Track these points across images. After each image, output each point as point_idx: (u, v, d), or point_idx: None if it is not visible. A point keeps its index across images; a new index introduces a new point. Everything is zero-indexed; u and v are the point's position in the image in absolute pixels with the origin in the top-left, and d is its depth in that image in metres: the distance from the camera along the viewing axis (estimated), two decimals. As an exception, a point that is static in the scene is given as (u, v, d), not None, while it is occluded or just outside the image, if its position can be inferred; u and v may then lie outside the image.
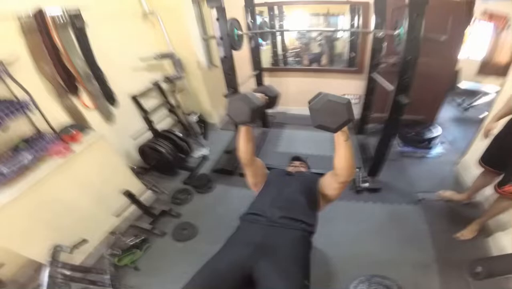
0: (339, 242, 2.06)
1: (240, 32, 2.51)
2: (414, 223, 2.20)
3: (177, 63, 3.06)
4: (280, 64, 3.98)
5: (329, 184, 1.33)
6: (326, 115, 0.92)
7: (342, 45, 3.77)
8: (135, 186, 2.45)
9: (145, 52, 2.87)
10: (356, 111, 3.57)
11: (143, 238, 2.21)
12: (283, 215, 1.23)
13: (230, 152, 3.14)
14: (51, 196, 1.80)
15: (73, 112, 2.31)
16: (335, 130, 0.96)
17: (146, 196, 2.57)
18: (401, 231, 2.13)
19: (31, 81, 1.97)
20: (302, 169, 1.79)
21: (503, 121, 1.77)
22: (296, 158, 2.00)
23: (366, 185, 2.53)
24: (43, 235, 1.75)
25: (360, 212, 2.35)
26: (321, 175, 1.45)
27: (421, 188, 2.53)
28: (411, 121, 3.10)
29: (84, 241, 1.89)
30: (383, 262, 1.88)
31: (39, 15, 1.92)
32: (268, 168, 1.62)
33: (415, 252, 1.95)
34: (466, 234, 2.00)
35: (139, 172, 2.82)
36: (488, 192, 2.17)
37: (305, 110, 4.23)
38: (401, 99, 2.00)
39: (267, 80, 3.95)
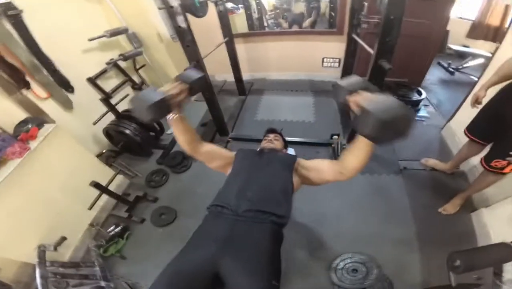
0: (320, 219, 2.02)
1: None
2: (396, 196, 2.12)
3: (133, 38, 2.75)
4: (256, 29, 3.62)
5: (325, 173, 1.17)
6: (391, 128, 0.74)
7: (324, 5, 3.40)
8: (104, 173, 2.34)
9: (95, 32, 2.55)
10: (337, 75, 3.41)
11: (122, 226, 2.19)
12: (249, 208, 1.13)
13: (206, 124, 3.01)
14: (21, 197, 1.73)
15: (28, 106, 2.16)
16: (382, 144, 0.83)
17: (119, 181, 2.48)
18: (383, 205, 2.07)
19: None
20: (276, 143, 1.65)
21: (492, 91, 1.58)
22: (271, 130, 1.84)
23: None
24: (25, 236, 1.74)
25: (343, 184, 2.21)
26: (295, 157, 1.35)
27: (404, 155, 2.42)
28: (394, 83, 2.91)
29: (63, 239, 1.87)
30: (364, 239, 1.85)
31: None
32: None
33: (397, 228, 1.90)
34: (449, 208, 1.94)
35: (110, 156, 2.72)
36: (473, 162, 2.06)
37: (285, 76, 3.99)
38: (382, 64, 1.77)
39: (242, 47, 3.65)
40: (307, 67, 3.73)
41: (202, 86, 1.23)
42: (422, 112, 2.90)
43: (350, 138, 2.50)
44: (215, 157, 1.35)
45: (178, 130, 1.20)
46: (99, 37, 2.53)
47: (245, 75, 3.89)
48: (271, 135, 1.73)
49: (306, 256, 1.83)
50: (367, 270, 1.66)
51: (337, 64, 3.49)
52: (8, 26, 1.97)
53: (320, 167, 1.22)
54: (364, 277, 1.63)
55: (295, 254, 1.84)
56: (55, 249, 1.76)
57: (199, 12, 2.22)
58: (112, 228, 2.18)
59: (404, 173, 2.26)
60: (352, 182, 2.14)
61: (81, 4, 2.58)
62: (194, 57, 2.25)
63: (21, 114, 2.07)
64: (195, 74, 1.19)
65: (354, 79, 0.92)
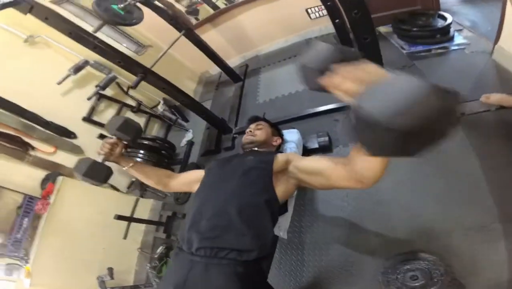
0: (365, 211, 1.60)
1: (121, 5, 1.85)
2: (458, 158, 1.51)
3: (98, 67, 2.64)
4: (220, 6, 3.11)
5: (333, 181, 0.82)
6: (416, 136, 0.40)
7: None
8: (130, 202, 2.43)
9: (60, 74, 2.45)
10: (328, 24, 2.80)
11: (164, 246, 2.25)
12: (202, 245, 0.86)
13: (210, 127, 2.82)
14: (61, 242, 1.98)
15: (43, 163, 2.26)
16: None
17: (151, 206, 2.56)
18: (441, 176, 1.50)
19: None
20: (259, 133, 1.35)
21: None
22: (251, 120, 1.51)
23: None
24: (82, 272, 1.99)
25: None
26: (271, 155, 1.06)
27: None
28: (406, 14, 2.34)
29: (110, 269, 1.98)
30: (420, 230, 1.41)
31: None
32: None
33: (465, 207, 1.37)
34: None
35: (142, 182, 2.74)
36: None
37: (276, 45, 3.36)
38: None
39: (214, 32, 3.27)
40: (295, 27, 3.21)
41: (130, 130, 1.18)
42: (458, 39, 2.21)
43: None
44: (192, 182, 1.19)
45: (140, 177, 1.22)
46: (65, 77, 2.43)
47: (235, 60, 3.57)
48: (252, 126, 1.42)
49: (349, 259, 1.50)
50: (430, 272, 1.25)
51: (326, 12, 2.89)
52: None
53: (325, 172, 0.84)
54: (427, 285, 1.23)
55: (333, 257, 1.56)
56: (111, 277, 1.93)
57: (128, 20, 1.93)
58: (159, 249, 2.25)
59: (462, 122, 1.64)
60: None
61: (34, 55, 2.48)
62: (139, 71, 2.00)
63: (41, 173, 2.20)
64: (116, 122, 1.16)
65: (319, 48, 0.55)
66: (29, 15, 1.61)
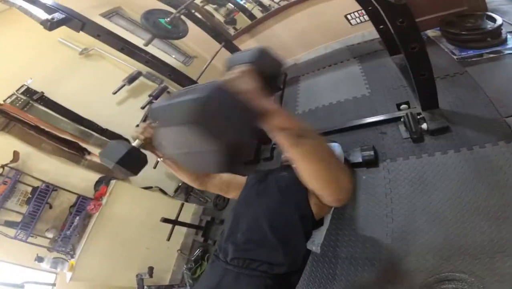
0: (409, 229, 1.49)
1: (168, 18, 1.93)
2: (510, 178, 1.37)
3: (150, 77, 2.83)
4: (255, 14, 3.11)
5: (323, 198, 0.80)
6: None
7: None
8: (176, 206, 2.51)
9: (115, 84, 2.68)
10: (371, 29, 2.59)
11: (201, 249, 2.35)
12: (236, 255, 0.89)
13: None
14: (109, 240, 2.13)
15: (97, 167, 2.47)
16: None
17: (194, 210, 2.66)
18: (492, 195, 1.36)
19: (48, 164, 2.22)
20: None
21: None
22: None
23: (425, 126, 1.74)
24: (126, 269, 2.11)
25: (426, 173, 1.62)
26: None
27: (510, 108, 1.57)
28: (454, 16, 2.15)
29: (151, 268, 2.07)
30: (469, 250, 1.28)
31: None
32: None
33: None
34: None
35: (187, 186, 2.88)
36: None
37: (315, 52, 3.31)
38: None
39: (252, 42, 3.29)
40: (334, 33, 3.06)
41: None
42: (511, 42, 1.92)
43: (425, 103, 1.80)
44: (231, 186, 1.17)
45: (176, 170, 1.07)
46: (120, 87, 2.63)
47: (273, 68, 3.54)
48: None
49: (385, 276, 1.42)
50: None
51: (367, 17, 2.69)
52: (42, 107, 2.29)
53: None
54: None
55: (369, 273, 1.47)
56: (150, 276, 2.01)
57: (175, 34, 2.01)
58: (197, 251, 2.36)
59: None
60: (439, 168, 1.59)
61: (89, 67, 2.74)
62: (187, 83, 2.09)
63: (95, 176, 2.41)
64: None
65: None
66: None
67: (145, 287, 1.95)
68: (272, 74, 0.68)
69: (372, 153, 1.82)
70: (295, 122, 0.56)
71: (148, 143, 0.93)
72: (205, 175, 1.15)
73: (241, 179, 1.17)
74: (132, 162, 0.83)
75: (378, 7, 1.36)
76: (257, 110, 0.51)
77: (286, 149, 0.59)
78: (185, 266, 2.27)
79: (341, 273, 1.55)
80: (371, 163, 1.81)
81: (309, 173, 0.63)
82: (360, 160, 1.83)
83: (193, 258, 2.30)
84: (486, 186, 1.41)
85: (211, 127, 0.46)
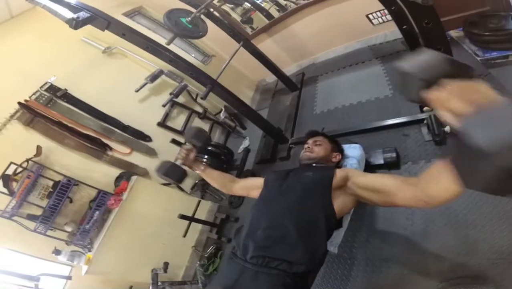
0: (429, 232, 1.48)
1: (188, 18, 2.00)
2: None
3: (171, 75, 2.92)
4: (273, 13, 3.14)
5: (397, 198, 0.82)
6: None
7: None
8: (193, 203, 2.59)
9: (137, 83, 2.79)
10: (394, 29, 2.58)
11: (214, 247, 2.42)
12: (256, 253, 0.92)
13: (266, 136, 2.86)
14: (127, 235, 2.20)
15: (119, 163, 2.61)
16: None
17: (209, 207, 2.74)
18: None
19: (70, 159, 2.34)
20: (318, 149, 1.34)
21: None
22: (309, 134, 1.51)
23: (447, 129, 1.70)
24: (142, 263, 2.18)
25: None
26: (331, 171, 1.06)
27: None
28: (476, 16, 2.10)
29: (166, 264, 2.18)
30: (489, 256, 1.27)
31: (22, 106, 2.13)
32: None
33: None
34: None
35: (203, 184, 2.97)
36: None
37: (334, 52, 3.30)
38: None
39: (269, 41, 3.33)
40: (355, 33, 3.05)
41: (202, 138, 1.40)
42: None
43: None
44: (251, 188, 1.33)
45: (209, 180, 1.42)
46: (142, 85, 2.74)
47: (292, 68, 3.59)
48: (310, 141, 1.42)
49: (401, 279, 1.42)
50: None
51: (390, 16, 2.65)
52: (65, 104, 2.42)
53: (388, 189, 0.86)
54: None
55: (385, 275, 1.48)
56: (165, 271, 2.10)
57: (195, 33, 2.08)
58: (210, 248, 2.42)
59: None
60: None
61: (112, 65, 2.86)
62: (207, 82, 2.14)
63: (116, 171, 2.54)
64: (191, 131, 1.41)
65: (428, 57, 0.48)
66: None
67: (159, 282, 2.02)
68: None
69: (394, 154, 1.81)
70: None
71: (187, 160, 1.37)
72: (231, 182, 1.42)
73: (260, 181, 1.29)
74: (175, 173, 1.35)
75: (404, 8, 1.38)
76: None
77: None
78: (198, 262, 2.34)
79: (356, 275, 1.57)
80: (393, 164, 1.80)
81: (452, 194, 0.63)
82: (381, 161, 1.82)
83: (206, 255, 2.37)
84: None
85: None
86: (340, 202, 1.00)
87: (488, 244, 1.30)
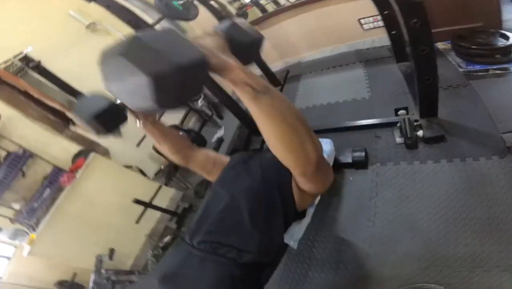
0: (389, 235, 1.47)
1: (180, 1, 1.94)
2: (501, 191, 1.38)
3: None
4: (268, 9, 3.20)
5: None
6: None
7: None
8: (153, 189, 2.48)
9: None
10: (385, 35, 2.63)
11: (172, 237, 2.28)
12: (204, 238, 0.83)
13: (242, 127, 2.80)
14: (77, 217, 2.07)
15: (80, 139, 2.47)
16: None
17: (172, 195, 2.62)
18: (480, 207, 1.37)
19: (30, 130, 2.19)
20: None
21: None
22: None
23: (420, 133, 1.75)
24: (89, 249, 2.01)
25: (415, 180, 1.62)
26: None
27: (508, 124, 1.59)
28: (467, 31, 2.18)
29: (111, 250, 2.04)
30: (449, 262, 1.26)
31: None
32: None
33: (502, 246, 1.21)
34: None
35: (171, 170, 2.84)
36: None
37: (321, 53, 3.32)
38: None
39: None
40: (345, 36, 3.08)
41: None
42: (520, 61, 1.96)
43: (424, 111, 1.80)
44: (215, 165, 1.07)
45: (155, 139, 0.95)
46: None
47: (278, 64, 3.56)
48: None
49: (358, 283, 1.38)
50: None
51: (381, 23, 2.71)
52: (36, 75, 2.31)
53: None
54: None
55: (341, 278, 1.44)
56: (110, 258, 1.97)
57: (185, 15, 2.03)
58: (167, 238, 2.28)
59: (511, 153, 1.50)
60: (429, 177, 1.59)
61: (92, 41, 2.75)
62: None
63: (76, 148, 2.40)
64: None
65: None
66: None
67: (103, 270, 1.87)
68: (241, 43, 0.68)
69: (363, 154, 1.80)
70: (257, 79, 0.56)
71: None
72: (189, 148, 1.07)
73: (226, 159, 1.10)
74: (110, 118, 0.77)
75: (395, 5, 1.37)
76: (213, 63, 0.55)
77: (247, 104, 0.57)
78: (151, 252, 2.19)
79: (313, 275, 1.51)
80: (361, 164, 1.80)
81: (270, 132, 0.58)
82: (349, 160, 1.81)
83: (161, 245, 2.21)
84: (474, 198, 1.39)
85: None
86: (300, 191, 0.90)
87: (451, 251, 1.29)
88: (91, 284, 1.75)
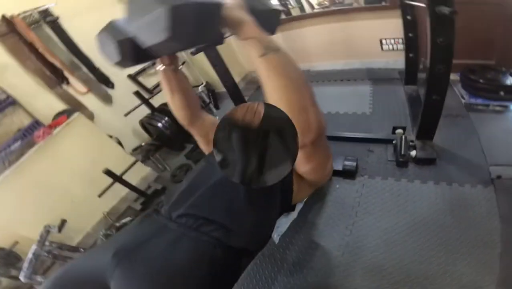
0: (364, 246, 1.46)
1: None
2: (481, 217, 1.41)
3: None
4: (290, 13, 3.21)
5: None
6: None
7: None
8: (127, 163, 2.32)
9: None
10: (402, 59, 2.62)
11: (132, 218, 2.13)
12: (187, 211, 0.73)
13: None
14: (37, 178, 1.91)
15: (68, 99, 2.42)
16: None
17: (145, 174, 2.53)
18: (459, 229, 1.39)
19: (22, 80, 2.13)
20: None
21: None
22: None
23: (413, 153, 1.78)
24: (38, 217, 1.87)
25: (399, 196, 1.64)
26: None
27: (497, 158, 1.65)
28: (478, 67, 2.24)
29: (63, 221, 1.90)
30: (417, 280, 1.25)
31: (4, 20, 1.99)
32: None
33: (470, 267, 1.23)
34: None
35: (150, 149, 2.75)
36: None
37: (334, 65, 3.31)
38: (441, 9, 1.23)
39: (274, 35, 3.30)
40: (362, 52, 3.10)
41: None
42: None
43: (421, 133, 1.83)
44: (211, 133, 0.97)
45: (169, 87, 0.85)
46: None
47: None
48: None
49: None
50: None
51: (401, 46, 2.77)
52: (48, 30, 2.28)
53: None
54: None
55: (310, 285, 1.40)
56: (59, 231, 1.83)
57: None
58: (126, 219, 2.15)
59: (497, 184, 1.53)
60: (415, 196, 1.60)
61: (116, 10, 2.66)
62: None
63: (61, 106, 2.32)
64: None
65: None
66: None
67: (47, 242, 1.73)
68: (259, 10, 0.68)
69: (354, 164, 1.81)
70: (269, 39, 0.57)
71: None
72: (198, 109, 0.98)
73: None
74: (135, 50, 0.66)
75: (428, 17, 1.38)
76: (230, 14, 0.58)
77: (256, 61, 0.56)
78: (103, 230, 2.04)
79: (281, 279, 1.47)
80: (350, 173, 1.80)
81: (274, 90, 0.57)
82: (340, 168, 1.81)
83: (117, 225, 2.07)
84: (453, 220, 1.43)
85: None
86: (298, 180, 0.85)
87: (423, 269, 1.28)
88: (29, 255, 1.58)
